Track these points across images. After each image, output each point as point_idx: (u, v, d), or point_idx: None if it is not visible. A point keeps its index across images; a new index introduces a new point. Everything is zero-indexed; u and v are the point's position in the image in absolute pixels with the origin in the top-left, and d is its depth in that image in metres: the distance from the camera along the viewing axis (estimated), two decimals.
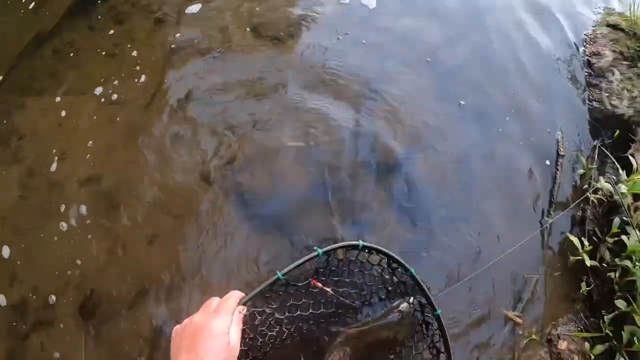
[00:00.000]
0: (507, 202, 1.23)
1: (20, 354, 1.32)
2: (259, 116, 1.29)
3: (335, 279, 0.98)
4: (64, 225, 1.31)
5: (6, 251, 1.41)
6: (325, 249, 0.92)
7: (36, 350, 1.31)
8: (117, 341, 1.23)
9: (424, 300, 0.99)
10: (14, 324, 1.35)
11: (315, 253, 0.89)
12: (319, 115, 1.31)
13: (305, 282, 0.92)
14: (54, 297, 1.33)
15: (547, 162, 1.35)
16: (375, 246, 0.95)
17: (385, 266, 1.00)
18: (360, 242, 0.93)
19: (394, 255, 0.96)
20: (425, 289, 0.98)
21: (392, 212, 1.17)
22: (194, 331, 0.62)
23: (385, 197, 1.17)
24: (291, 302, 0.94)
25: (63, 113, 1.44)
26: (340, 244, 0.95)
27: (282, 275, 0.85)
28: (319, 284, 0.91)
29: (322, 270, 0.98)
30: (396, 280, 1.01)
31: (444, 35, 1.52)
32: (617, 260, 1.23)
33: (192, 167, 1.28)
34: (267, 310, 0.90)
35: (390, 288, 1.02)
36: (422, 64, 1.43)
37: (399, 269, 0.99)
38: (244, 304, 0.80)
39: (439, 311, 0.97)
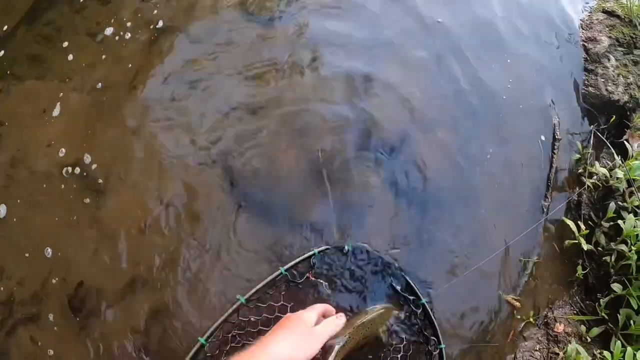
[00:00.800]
0: (504, 186, 1.22)
1: (7, 349, 1.28)
2: (252, 97, 1.24)
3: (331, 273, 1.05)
4: (50, 215, 1.26)
5: None
6: (320, 248, 1.05)
7: (25, 345, 1.27)
8: (108, 334, 1.19)
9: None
10: (1, 318, 1.31)
11: (311, 253, 1.03)
12: (316, 95, 1.26)
13: (303, 278, 1.01)
14: (41, 291, 1.29)
15: (543, 138, 1.35)
16: (365, 246, 1.07)
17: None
18: (348, 245, 1.05)
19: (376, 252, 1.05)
20: (410, 281, 1.04)
21: (391, 197, 1.15)
22: (294, 315, 0.83)
23: (384, 182, 1.15)
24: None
25: (46, 98, 1.37)
26: (326, 246, 1.07)
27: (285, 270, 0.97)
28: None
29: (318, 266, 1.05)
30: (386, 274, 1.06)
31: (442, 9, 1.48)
32: (612, 244, 1.24)
33: (183, 152, 1.23)
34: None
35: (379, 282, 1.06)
36: (421, 36, 1.40)
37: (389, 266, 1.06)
38: (249, 299, 0.96)
39: (423, 300, 1.02)
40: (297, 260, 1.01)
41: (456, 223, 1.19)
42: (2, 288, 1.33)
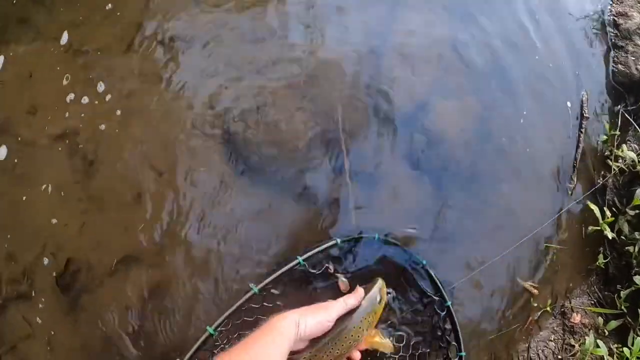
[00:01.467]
0: (529, 166, 1.13)
1: None
2: (255, 60, 1.13)
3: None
4: (36, 188, 1.18)
5: None
6: (344, 238, 0.98)
7: (17, 324, 1.22)
8: (99, 311, 1.14)
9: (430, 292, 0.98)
10: None
11: (333, 242, 0.96)
12: (325, 62, 1.16)
13: (322, 269, 0.97)
14: (29, 267, 1.22)
15: (569, 104, 1.25)
16: (391, 240, 1.00)
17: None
18: (377, 235, 0.98)
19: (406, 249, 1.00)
20: (438, 281, 0.97)
21: (411, 177, 1.07)
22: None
23: (403, 158, 1.06)
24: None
25: (33, 62, 1.27)
26: (355, 235, 1.00)
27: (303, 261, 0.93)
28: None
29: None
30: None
31: None
32: (636, 234, 1.16)
33: (178, 117, 1.14)
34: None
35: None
36: (438, 8, 1.28)
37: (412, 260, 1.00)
38: (264, 287, 0.93)
39: (449, 302, 0.96)
40: (317, 249, 0.93)
41: (478, 206, 1.11)
42: None
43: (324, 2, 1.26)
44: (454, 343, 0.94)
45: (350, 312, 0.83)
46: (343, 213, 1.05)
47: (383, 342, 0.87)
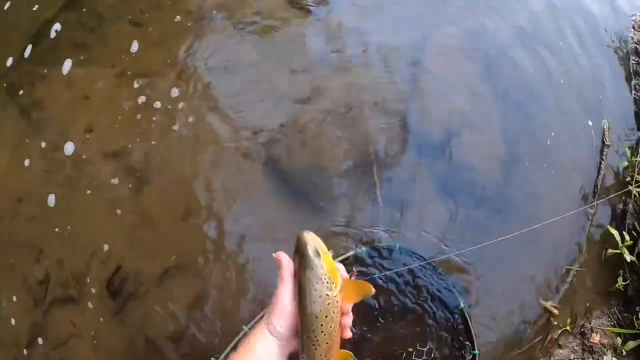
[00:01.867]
0: (553, 190, 1.19)
1: (42, 328, 1.33)
2: (298, 89, 1.23)
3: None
4: (90, 200, 1.29)
5: (32, 226, 1.40)
6: (367, 246, 1.03)
7: (61, 324, 1.32)
8: (144, 316, 1.23)
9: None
10: (38, 298, 1.36)
11: (357, 250, 1.01)
12: (362, 93, 1.25)
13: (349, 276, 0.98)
14: (78, 272, 1.33)
15: (590, 123, 1.30)
16: (411, 248, 1.04)
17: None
18: (397, 244, 1.02)
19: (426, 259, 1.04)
20: (452, 287, 1.02)
21: (436, 198, 1.14)
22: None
23: (431, 182, 1.13)
24: None
25: (87, 85, 1.39)
26: (376, 244, 1.04)
27: None
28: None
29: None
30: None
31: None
32: None
33: (225, 140, 1.24)
34: None
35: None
36: (466, 41, 1.36)
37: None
38: None
39: (463, 305, 1.00)
40: (344, 255, 1.00)
41: (502, 227, 1.14)
42: (39, 268, 1.39)
43: (361, 40, 1.35)
44: (467, 343, 0.99)
45: (304, 292, 0.65)
46: (376, 234, 1.12)
47: (359, 289, 0.68)
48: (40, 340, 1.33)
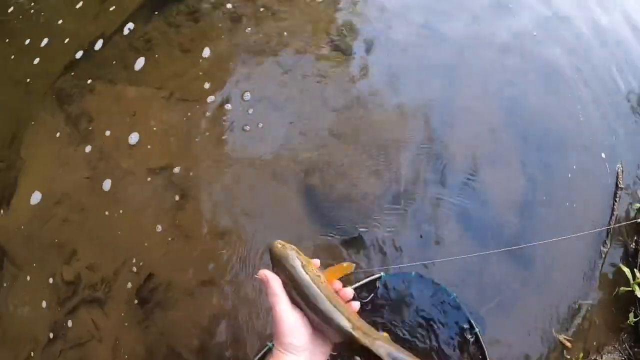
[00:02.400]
0: (568, 228, 1.24)
1: (65, 326, 1.36)
2: (332, 125, 1.34)
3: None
4: (128, 210, 1.36)
5: (67, 228, 1.46)
6: (386, 273, 1.09)
7: (84, 324, 1.35)
8: (170, 325, 1.27)
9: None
10: (64, 297, 1.40)
11: (378, 275, 1.08)
12: (392, 132, 1.35)
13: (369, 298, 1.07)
14: (108, 276, 1.38)
15: (603, 155, 1.38)
16: (428, 276, 1.10)
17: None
18: (413, 273, 1.07)
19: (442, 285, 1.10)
20: (465, 311, 1.07)
21: (458, 233, 1.20)
22: None
23: (453, 217, 1.21)
24: None
25: (135, 102, 1.50)
26: (392, 271, 1.10)
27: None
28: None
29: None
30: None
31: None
32: None
33: (263, 166, 1.33)
34: None
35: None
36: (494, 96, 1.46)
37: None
38: None
39: (477, 329, 1.05)
40: (365, 280, 1.06)
41: (520, 268, 1.22)
42: (70, 268, 1.44)
43: (395, 83, 1.46)
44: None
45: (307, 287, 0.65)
46: (398, 263, 1.19)
47: (339, 270, 0.71)
48: (58, 339, 1.36)
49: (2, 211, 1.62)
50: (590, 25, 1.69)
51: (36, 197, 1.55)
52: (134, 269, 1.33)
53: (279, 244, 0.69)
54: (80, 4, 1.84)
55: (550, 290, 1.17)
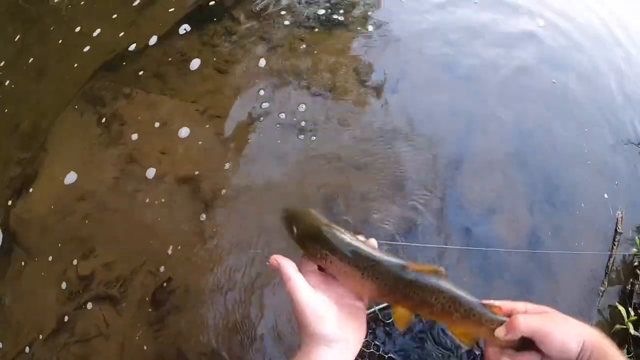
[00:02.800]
0: (567, 269, 1.31)
1: (74, 319, 1.38)
2: (353, 156, 1.40)
3: None
4: (152, 215, 1.41)
5: (87, 225, 1.50)
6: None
7: (93, 320, 1.36)
8: (183, 330, 1.29)
9: None
10: (75, 291, 1.42)
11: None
12: (407, 167, 1.42)
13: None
14: (125, 276, 1.40)
15: (606, 195, 1.45)
16: None
17: None
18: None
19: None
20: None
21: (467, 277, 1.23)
22: None
23: (462, 260, 1.24)
24: None
25: (167, 113, 1.58)
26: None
27: None
28: None
29: None
30: None
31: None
32: None
33: (289, 188, 1.39)
34: None
35: None
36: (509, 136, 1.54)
37: None
38: None
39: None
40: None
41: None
42: (87, 264, 1.47)
43: (414, 121, 1.53)
44: None
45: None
46: None
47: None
48: (64, 331, 1.37)
49: (22, 200, 1.65)
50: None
51: (58, 191, 1.59)
52: (153, 270, 1.36)
53: (293, 208, 0.64)
54: (115, 15, 1.94)
55: None
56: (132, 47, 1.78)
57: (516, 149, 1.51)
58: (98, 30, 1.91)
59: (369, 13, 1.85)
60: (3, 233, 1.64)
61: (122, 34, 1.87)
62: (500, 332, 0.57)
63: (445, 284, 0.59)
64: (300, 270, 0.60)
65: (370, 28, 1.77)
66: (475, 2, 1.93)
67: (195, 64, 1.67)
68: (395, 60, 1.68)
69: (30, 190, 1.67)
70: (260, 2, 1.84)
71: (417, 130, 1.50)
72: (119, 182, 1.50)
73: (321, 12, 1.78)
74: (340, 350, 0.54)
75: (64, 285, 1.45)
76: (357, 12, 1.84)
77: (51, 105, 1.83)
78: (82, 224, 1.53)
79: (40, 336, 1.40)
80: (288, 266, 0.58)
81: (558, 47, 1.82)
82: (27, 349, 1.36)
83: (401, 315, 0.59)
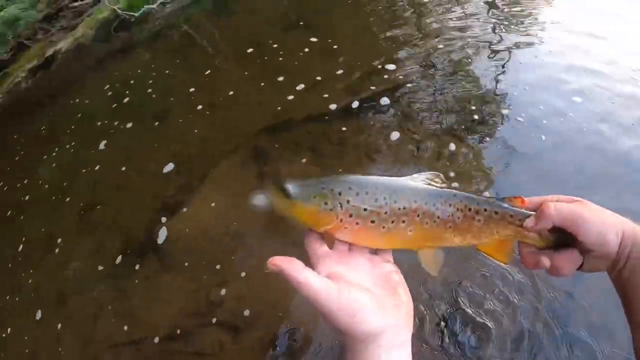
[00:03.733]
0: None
1: (189, 332, 1.54)
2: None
3: None
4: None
5: (228, 257, 1.73)
6: None
7: (208, 340, 1.50)
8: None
9: None
10: (201, 312, 1.59)
11: None
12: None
13: None
14: (256, 312, 1.53)
15: None
16: None
17: None
18: None
19: None
20: None
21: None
22: None
23: None
24: None
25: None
26: None
27: None
28: None
29: None
30: None
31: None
32: None
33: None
34: None
35: None
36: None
37: None
38: None
39: None
40: None
41: None
42: (218, 291, 1.62)
43: None
44: None
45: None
46: None
47: None
48: (180, 340, 1.53)
49: (175, 218, 1.97)
50: None
51: (209, 219, 1.85)
52: (282, 315, 1.49)
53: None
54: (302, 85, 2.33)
55: None
56: (295, 116, 2.10)
57: None
58: (301, 86, 2.25)
59: None
60: (150, 242, 1.93)
61: (292, 103, 2.19)
62: (530, 222, 0.51)
63: (452, 190, 0.52)
64: (308, 253, 0.48)
65: None
66: None
67: (346, 146, 1.91)
68: None
69: (184, 209, 1.99)
70: None
71: None
72: (266, 229, 1.73)
73: None
74: (393, 336, 0.43)
75: (191, 303, 1.64)
76: None
77: (217, 150, 2.18)
78: (222, 255, 1.73)
79: (155, 337, 1.58)
80: (293, 267, 0.44)
81: None
82: (137, 343, 1.54)
83: (427, 255, 0.51)
